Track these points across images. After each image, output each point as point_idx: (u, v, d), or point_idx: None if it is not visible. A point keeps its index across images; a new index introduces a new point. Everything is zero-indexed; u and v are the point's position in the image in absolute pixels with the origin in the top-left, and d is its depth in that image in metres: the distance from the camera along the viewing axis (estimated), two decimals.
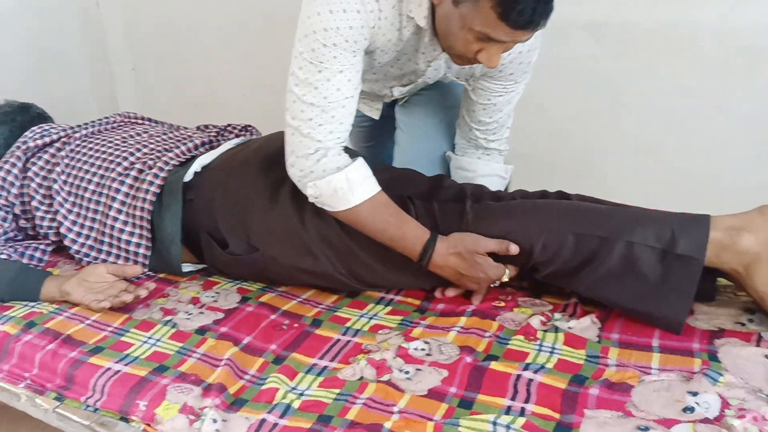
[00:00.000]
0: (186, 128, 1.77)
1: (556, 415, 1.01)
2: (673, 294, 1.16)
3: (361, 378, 1.13)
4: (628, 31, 2.17)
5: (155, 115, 1.89)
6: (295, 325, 1.30)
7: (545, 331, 1.22)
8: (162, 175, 1.45)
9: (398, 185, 1.40)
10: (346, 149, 1.32)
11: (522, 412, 1.02)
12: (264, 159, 1.43)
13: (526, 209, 1.29)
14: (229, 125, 1.72)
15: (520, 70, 1.43)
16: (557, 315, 1.27)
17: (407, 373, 1.13)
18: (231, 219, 1.40)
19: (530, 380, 1.08)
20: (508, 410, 1.03)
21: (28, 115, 1.75)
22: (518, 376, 1.10)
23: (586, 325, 1.22)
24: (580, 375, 1.09)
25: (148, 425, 1.08)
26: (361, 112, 1.77)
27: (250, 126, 1.73)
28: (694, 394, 1.01)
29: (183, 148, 1.55)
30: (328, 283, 1.39)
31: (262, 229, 1.37)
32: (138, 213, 1.42)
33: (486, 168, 1.61)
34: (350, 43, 1.21)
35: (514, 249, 1.25)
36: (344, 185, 1.26)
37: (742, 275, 1.17)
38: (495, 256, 1.28)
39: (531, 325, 1.23)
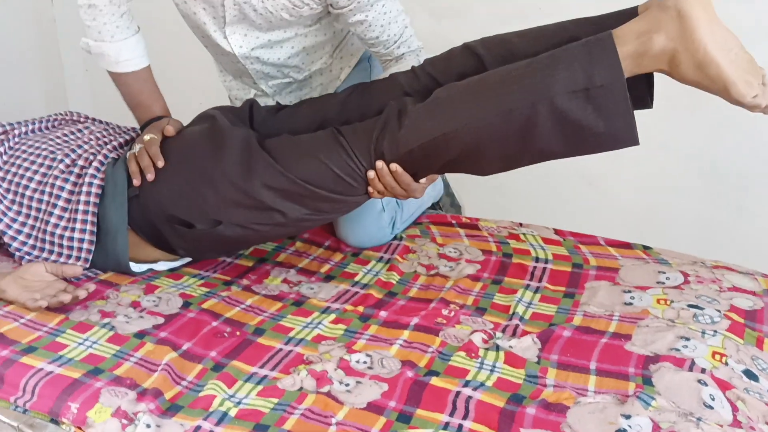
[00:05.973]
0: (134, 129, 1.75)
1: None
2: (612, 120, 1.16)
3: (301, 388, 1.12)
4: None
5: (109, 119, 1.86)
6: (237, 333, 1.28)
7: (487, 349, 1.23)
8: (103, 168, 1.43)
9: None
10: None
11: (459, 429, 1.02)
12: (196, 137, 1.45)
13: (442, 102, 1.25)
14: None
15: None
16: (498, 334, 1.28)
17: (347, 385, 1.13)
18: (183, 203, 1.39)
19: (469, 397, 1.09)
20: (446, 426, 1.03)
21: None
22: (458, 393, 1.10)
23: (527, 345, 1.24)
24: (518, 394, 1.10)
25: (79, 428, 1.05)
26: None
27: None
28: (627, 416, 1.03)
29: (122, 139, 1.56)
30: (300, 228, 1.41)
31: (217, 201, 1.37)
32: (81, 207, 1.39)
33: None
34: None
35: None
36: (112, 56, 1.54)
37: (668, 72, 1.17)
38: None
39: (473, 342, 1.24)
